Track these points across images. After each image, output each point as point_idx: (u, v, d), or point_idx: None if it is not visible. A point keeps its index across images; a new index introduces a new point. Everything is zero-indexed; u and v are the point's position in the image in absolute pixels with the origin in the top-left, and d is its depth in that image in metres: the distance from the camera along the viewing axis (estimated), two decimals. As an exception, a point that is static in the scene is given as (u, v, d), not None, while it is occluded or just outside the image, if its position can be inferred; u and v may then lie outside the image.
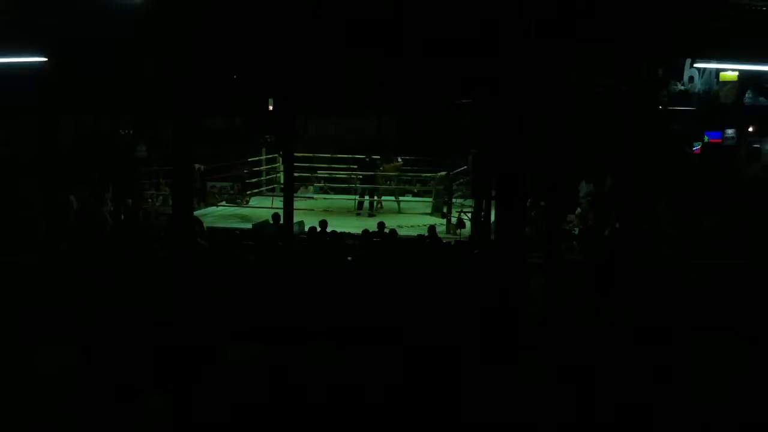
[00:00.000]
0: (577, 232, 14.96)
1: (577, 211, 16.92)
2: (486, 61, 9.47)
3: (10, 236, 11.87)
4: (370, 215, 18.24)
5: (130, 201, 16.05)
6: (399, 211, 18.85)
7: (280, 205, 12.99)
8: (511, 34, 8.29)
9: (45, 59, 10.82)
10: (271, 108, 12.53)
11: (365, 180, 19.24)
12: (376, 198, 19.28)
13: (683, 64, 17.58)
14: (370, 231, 13.64)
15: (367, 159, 19.45)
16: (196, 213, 12.35)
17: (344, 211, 18.39)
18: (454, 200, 17.36)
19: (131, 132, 17.15)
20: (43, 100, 11.97)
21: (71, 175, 16.24)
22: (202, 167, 17.92)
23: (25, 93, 13.01)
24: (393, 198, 19.59)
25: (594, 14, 9.79)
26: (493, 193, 13.08)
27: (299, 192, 19.30)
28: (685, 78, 17.68)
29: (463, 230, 15.63)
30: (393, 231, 13.81)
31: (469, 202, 16.36)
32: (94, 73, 11.95)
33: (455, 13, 10.45)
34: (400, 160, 19.93)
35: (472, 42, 10.27)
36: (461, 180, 18.59)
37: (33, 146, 15.93)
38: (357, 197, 19.25)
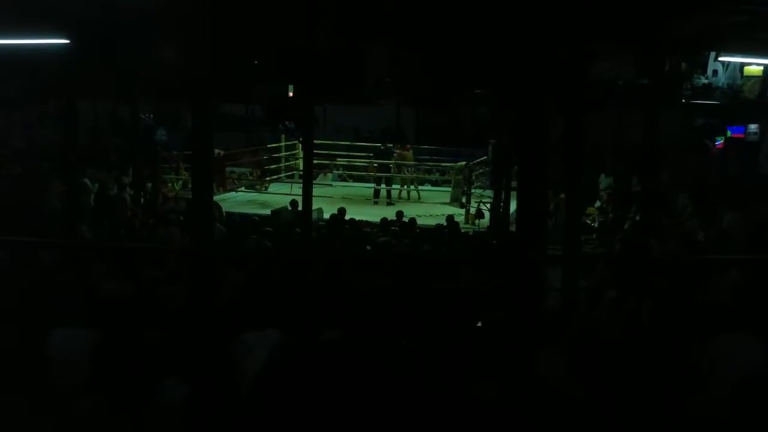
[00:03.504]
0: (596, 225, 14.88)
1: (596, 204, 16.86)
2: (507, 52, 9.42)
3: (28, 218, 11.94)
4: (389, 204, 18.22)
5: (149, 185, 16.13)
6: (410, 199, 18.83)
7: (299, 192, 12.99)
8: (532, 24, 8.24)
9: (67, 41, 10.82)
10: (291, 95, 12.52)
11: (380, 168, 19.22)
12: (395, 187, 19.27)
13: (707, 58, 17.40)
14: (389, 219, 13.62)
15: (383, 147, 19.44)
16: (215, 198, 12.37)
17: (363, 200, 18.39)
18: (473, 190, 17.30)
19: (151, 116, 17.20)
20: (64, 84, 11.98)
21: (89, 158, 16.34)
22: (221, 153, 17.95)
23: (46, 76, 13.07)
24: (409, 187, 19.55)
25: (617, 5, 9.69)
26: (513, 184, 13.07)
27: (318, 179, 19.30)
28: (709, 72, 17.50)
29: (481, 220, 15.59)
30: (412, 220, 13.77)
31: (489, 192, 16.30)
32: (116, 57, 11.98)
33: (475, 3, 10.38)
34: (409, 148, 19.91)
35: (493, 32, 10.21)
36: (481, 170, 18.52)
37: (52, 130, 16.04)
38: (374, 185, 19.24)
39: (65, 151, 12.12)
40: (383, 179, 19.12)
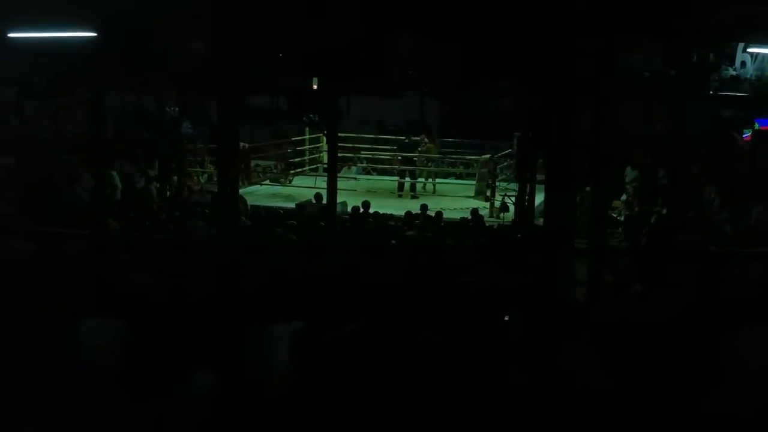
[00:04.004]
0: (622, 219, 14.77)
1: (622, 197, 16.72)
2: (533, 42, 9.35)
3: (57, 210, 12.05)
4: (413, 197, 18.18)
5: (175, 178, 16.21)
6: (435, 193, 18.82)
7: (323, 185, 13.01)
8: (559, 14, 8.18)
9: (94, 34, 10.89)
10: (315, 87, 12.51)
11: (405, 161, 19.17)
12: (420, 180, 19.24)
13: (735, 49, 17.18)
14: (413, 213, 13.60)
15: (407, 140, 19.39)
16: (240, 191, 12.42)
17: (387, 193, 18.37)
18: (497, 183, 17.23)
19: (177, 109, 17.27)
20: (90, 76, 12.07)
21: (116, 150, 16.44)
22: (246, 146, 17.99)
23: (73, 68, 13.16)
24: (434, 180, 19.52)
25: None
26: (538, 177, 13.00)
27: (342, 172, 19.28)
28: (737, 63, 17.27)
29: (506, 214, 15.52)
30: (439, 213, 13.72)
31: (513, 185, 16.23)
32: (142, 49, 12.04)
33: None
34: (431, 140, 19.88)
35: (518, 22, 10.13)
36: (505, 163, 18.44)
37: (79, 122, 16.16)
38: (398, 179, 19.20)
39: (93, 143, 12.21)
40: (407, 172, 19.08)
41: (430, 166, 19.85)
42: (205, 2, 10.46)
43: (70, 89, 16.52)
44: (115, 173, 15.19)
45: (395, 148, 19.98)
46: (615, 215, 14.96)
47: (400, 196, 18.41)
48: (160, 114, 16.97)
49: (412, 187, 18.87)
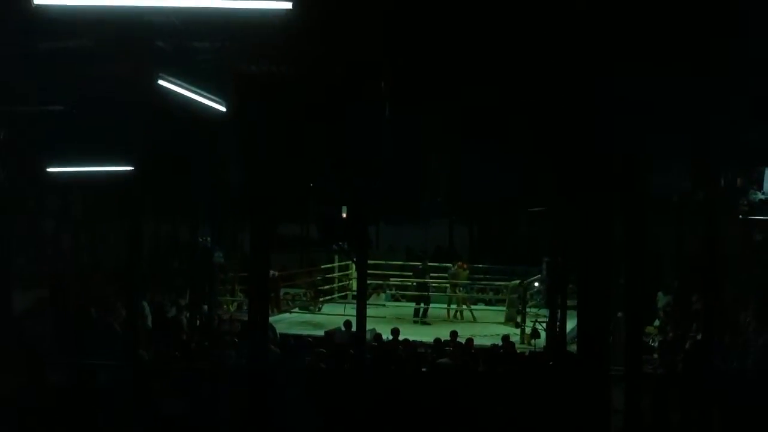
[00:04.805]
0: (656, 345, 14.51)
1: (655, 323, 16.49)
2: (561, 169, 9.50)
3: (92, 339, 12.12)
4: (423, 323, 18.08)
5: (206, 307, 16.26)
6: (463, 319, 18.69)
7: (353, 312, 12.99)
8: (585, 141, 8.33)
9: (131, 168, 11.23)
10: (344, 215, 12.70)
11: (420, 287, 19.13)
12: (441, 305, 19.12)
13: (763, 173, 17.27)
14: (443, 340, 13.49)
15: (421, 266, 19.41)
16: (270, 319, 12.42)
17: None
18: (528, 309, 17.09)
19: (209, 239, 17.52)
20: (127, 208, 12.36)
21: (149, 280, 16.61)
22: (276, 273, 18.11)
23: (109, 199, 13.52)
24: (468, 306, 19.40)
25: (671, 122, 9.78)
26: (569, 302, 12.90)
27: (371, 299, 19.26)
28: (765, 187, 17.34)
29: (537, 340, 15.32)
30: (470, 340, 13.58)
31: (544, 311, 16.09)
32: (177, 182, 12.38)
33: (526, 125, 10.54)
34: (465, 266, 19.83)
35: (546, 151, 10.32)
36: (536, 288, 18.33)
37: (117, 251, 16.43)
38: (414, 305, 19.14)
39: (127, 274, 12.36)
40: (420, 298, 19.02)
41: (460, 292, 19.77)
42: (236, 133, 10.81)
43: (106, 220, 16.89)
44: (145, 303, 15.30)
45: (410, 274, 20.02)
46: (649, 341, 14.71)
47: (415, 321, 18.26)
48: (193, 243, 17.20)
49: (424, 312, 18.75)
